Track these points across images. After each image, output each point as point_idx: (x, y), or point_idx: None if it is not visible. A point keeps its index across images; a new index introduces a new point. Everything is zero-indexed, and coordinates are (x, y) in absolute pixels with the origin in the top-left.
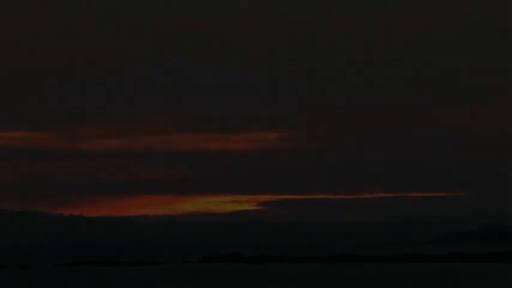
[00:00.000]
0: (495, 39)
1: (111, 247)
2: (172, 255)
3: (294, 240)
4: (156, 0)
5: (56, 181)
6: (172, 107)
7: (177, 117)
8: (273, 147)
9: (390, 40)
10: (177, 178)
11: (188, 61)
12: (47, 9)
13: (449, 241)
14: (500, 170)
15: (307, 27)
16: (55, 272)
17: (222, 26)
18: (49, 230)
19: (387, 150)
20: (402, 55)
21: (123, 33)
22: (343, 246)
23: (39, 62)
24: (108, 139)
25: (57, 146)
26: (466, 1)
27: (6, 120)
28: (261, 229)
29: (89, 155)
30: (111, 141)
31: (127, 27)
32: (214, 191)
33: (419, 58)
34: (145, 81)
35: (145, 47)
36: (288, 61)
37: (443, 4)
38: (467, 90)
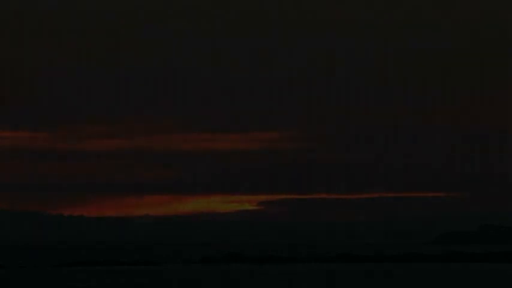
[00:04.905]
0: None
1: (111, 247)
2: (172, 255)
3: (294, 240)
4: (154, 2)
5: (56, 181)
6: (172, 107)
7: (177, 117)
8: (273, 147)
9: (389, 40)
10: (177, 178)
11: (188, 61)
12: (46, 8)
13: (449, 241)
14: (500, 170)
15: (307, 28)
16: (55, 272)
17: (223, 25)
18: (49, 230)
19: (387, 150)
20: (400, 56)
21: (123, 33)
22: (343, 246)
23: (38, 61)
24: (108, 139)
25: (57, 146)
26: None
27: (6, 120)
28: (261, 229)
29: (89, 155)
30: (111, 141)
31: (126, 28)
32: (215, 190)
33: (417, 58)
34: (146, 81)
35: (145, 47)
36: (288, 61)
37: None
38: (468, 90)
